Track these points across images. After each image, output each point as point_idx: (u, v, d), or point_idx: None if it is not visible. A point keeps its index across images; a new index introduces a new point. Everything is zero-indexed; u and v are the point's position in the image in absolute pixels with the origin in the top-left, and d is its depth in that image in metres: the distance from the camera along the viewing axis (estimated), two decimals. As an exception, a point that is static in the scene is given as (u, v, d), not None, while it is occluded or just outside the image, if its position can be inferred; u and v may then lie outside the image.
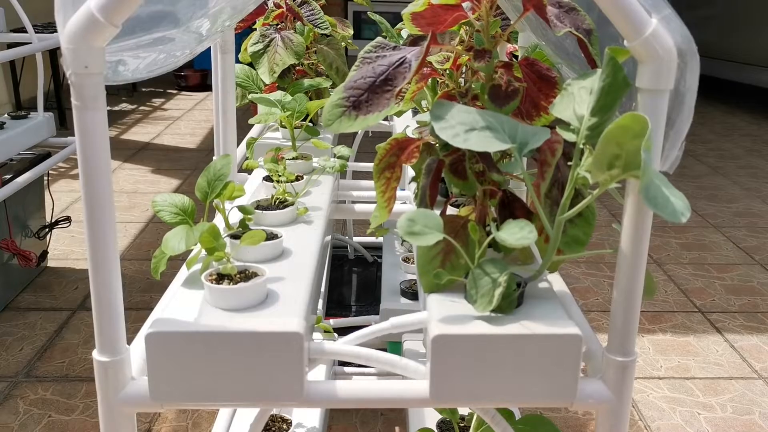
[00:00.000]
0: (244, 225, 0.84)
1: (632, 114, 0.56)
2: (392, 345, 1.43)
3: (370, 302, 1.73)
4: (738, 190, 3.39)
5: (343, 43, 1.55)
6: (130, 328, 2.07)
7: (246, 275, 0.73)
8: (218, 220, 0.94)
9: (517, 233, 0.62)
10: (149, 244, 2.62)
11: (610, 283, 2.35)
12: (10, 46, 3.43)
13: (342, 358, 0.73)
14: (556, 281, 0.88)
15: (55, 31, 4.07)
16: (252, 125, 1.45)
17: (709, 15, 5.27)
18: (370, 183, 1.32)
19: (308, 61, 1.45)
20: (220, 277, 0.72)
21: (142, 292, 2.25)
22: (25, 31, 2.14)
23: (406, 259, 1.58)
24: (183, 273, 0.84)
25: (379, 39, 0.76)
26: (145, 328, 0.71)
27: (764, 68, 4.74)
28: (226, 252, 0.74)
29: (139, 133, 4.25)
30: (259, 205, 0.95)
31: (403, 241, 1.70)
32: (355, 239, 1.99)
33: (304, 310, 0.70)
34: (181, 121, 4.55)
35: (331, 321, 1.52)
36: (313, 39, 1.44)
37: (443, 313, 0.69)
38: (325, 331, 1.36)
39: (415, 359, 1.28)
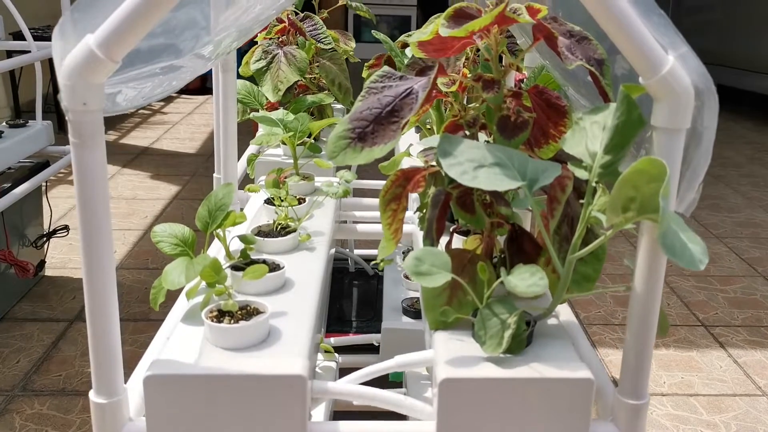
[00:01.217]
0: (245, 254, 0.82)
1: (649, 158, 0.54)
2: (394, 364, 1.41)
3: (370, 317, 1.71)
4: (740, 199, 3.37)
5: (345, 56, 1.53)
6: (127, 340, 2.05)
7: (248, 311, 0.71)
8: (218, 246, 0.92)
9: (527, 279, 0.60)
10: (148, 252, 2.60)
11: (612, 295, 2.33)
12: (9, 52, 3.41)
13: (346, 398, 0.71)
14: (563, 311, 0.86)
15: (54, 34, 4.05)
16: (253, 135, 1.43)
17: (709, 20, 5.26)
18: (373, 201, 1.30)
19: (310, 76, 1.43)
20: (220, 314, 0.70)
21: (140, 303, 2.23)
22: (23, 37, 2.12)
23: (407, 276, 1.56)
24: (182, 302, 0.82)
25: (386, 68, 0.74)
26: (143, 367, 0.69)
27: (765, 75, 4.73)
28: (227, 286, 0.72)
29: (138, 138, 4.23)
30: (261, 231, 0.93)
31: (405, 256, 1.68)
32: (356, 251, 1.97)
33: (307, 350, 0.68)
34: (181, 125, 4.53)
35: (332, 339, 1.50)
36: (315, 53, 1.42)
37: (450, 354, 0.67)
38: (326, 351, 1.34)
39: (417, 382, 1.26)
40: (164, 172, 3.53)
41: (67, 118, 0.58)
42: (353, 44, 1.51)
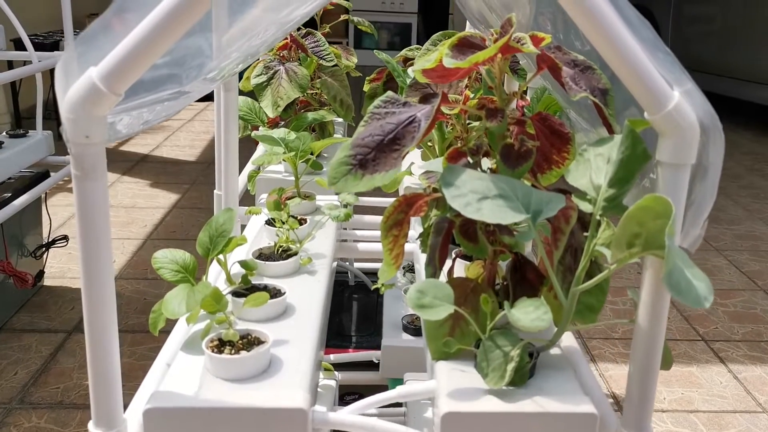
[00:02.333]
0: (246, 280, 0.82)
1: (654, 195, 0.54)
2: (393, 382, 1.40)
3: (370, 332, 1.70)
4: (740, 211, 3.37)
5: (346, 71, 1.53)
6: (125, 352, 2.04)
7: (249, 341, 0.70)
8: (218, 268, 0.91)
9: (531, 313, 0.60)
10: (146, 262, 2.59)
11: (612, 308, 2.33)
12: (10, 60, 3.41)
13: (347, 428, 0.70)
14: (565, 335, 0.85)
15: (56, 41, 4.05)
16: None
17: (709, 31, 5.27)
18: (374, 219, 1.30)
19: (312, 91, 1.43)
20: (221, 343, 0.70)
21: (139, 314, 2.22)
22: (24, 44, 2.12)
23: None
24: (182, 325, 0.82)
25: (389, 93, 0.74)
26: (142, 397, 0.68)
27: (765, 85, 4.73)
28: (227, 314, 0.72)
29: (138, 144, 4.23)
30: (262, 254, 0.92)
31: (406, 271, 1.68)
32: (356, 265, 1.96)
33: (308, 381, 0.68)
34: (181, 132, 4.53)
35: (332, 356, 1.50)
36: (317, 68, 1.42)
37: (453, 386, 0.67)
38: (325, 369, 1.34)
39: (417, 401, 1.25)
40: (164, 180, 3.52)
41: (69, 150, 0.57)
42: (355, 59, 1.51)
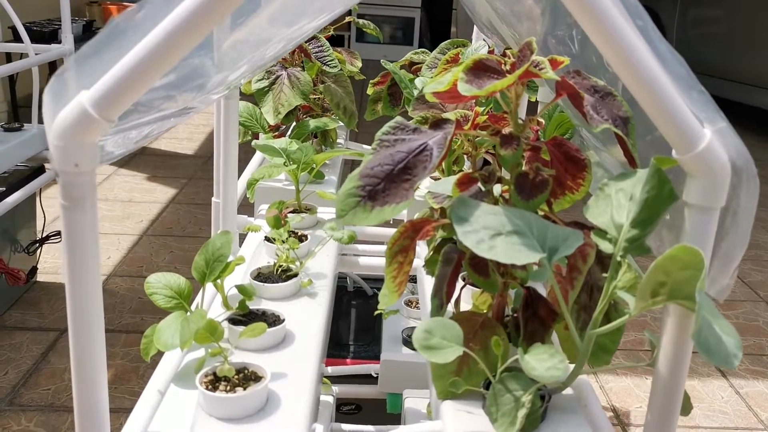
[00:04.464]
0: (243, 306, 0.78)
1: (683, 246, 0.51)
2: (392, 397, 1.37)
3: (369, 342, 1.67)
4: (743, 218, 3.34)
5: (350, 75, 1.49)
6: (119, 353, 2.01)
7: (245, 375, 0.67)
8: (214, 290, 0.88)
9: (546, 361, 0.57)
10: (143, 259, 2.55)
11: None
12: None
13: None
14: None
15: (55, 29, 3.99)
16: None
17: (714, 34, 5.22)
18: (376, 231, 1.26)
19: (314, 96, 1.39)
20: (216, 379, 0.66)
21: (133, 313, 2.18)
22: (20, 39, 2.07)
23: (409, 303, 1.52)
24: (173, 355, 0.78)
25: (398, 119, 0.70)
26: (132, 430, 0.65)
27: None
28: (222, 347, 0.68)
29: (136, 136, 4.18)
30: (260, 274, 0.89)
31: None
32: (355, 270, 1.93)
33: (307, 419, 0.64)
34: (179, 125, 4.48)
35: (329, 369, 1.46)
36: (320, 72, 1.38)
37: (459, 429, 0.63)
38: (322, 383, 1.31)
39: (416, 419, 1.22)
40: (161, 174, 3.48)
41: (57, 179, 0.53)
42: (359, 63, 1.47)
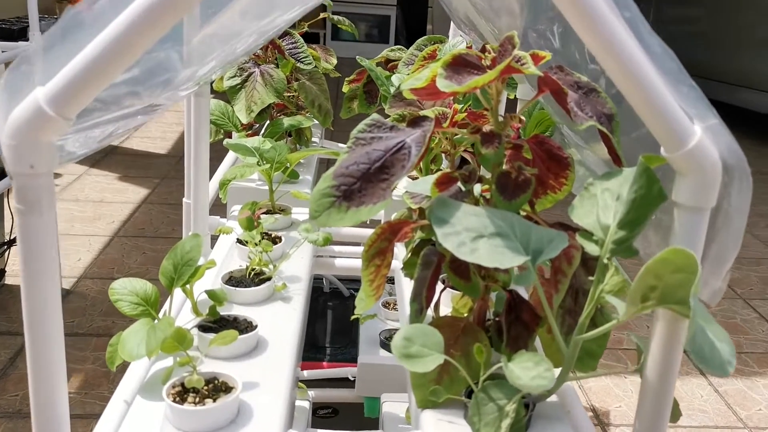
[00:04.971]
0: (214, 312, 0.75)
1: (675, 248, 0.48)
2: (369, 401, 1.34)
3: (345, 344, 1.64)
4: (718, 215, 3.35)
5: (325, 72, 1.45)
6: (89, 357, 1.96)
7: (215, 386, 0.64)
8: (183, 296, 0.84)
9: (531, 370, 0.54)
10: (114, 260, 2.50)
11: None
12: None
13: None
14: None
15: (24, 26, 3.89)
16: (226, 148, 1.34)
17: (689, 32, 5.26)
18: (352, 231, 1.23)
19: (288, 94, 1.36)
20: (184, 390, 0.63)
21: (104, 316, 2.13)
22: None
23: (386, 304, 1.49)
24: (140, 363, 0.74)
25: (374, 116, 0.67)
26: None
27: (743, 88, 4.72)
28: (191, 357, 0.65)
29: (108, 135, 4.10)
30: (232, 278, 0.85)
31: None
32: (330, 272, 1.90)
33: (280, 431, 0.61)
34: (152, 123, 4.41)
35: (305, 373, 1.43)
36: (294, 69, 1.35)
37: (441, 440, 0.60)
38: (298, 388, 1.27)
39: (394, 424, 1.19)
40: (133, 174, 3.42)
41: (11, 181, 0.50)
42: (334, 60, 1.44)
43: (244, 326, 0.74)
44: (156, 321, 0.68)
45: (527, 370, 0.54)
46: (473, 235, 0.58)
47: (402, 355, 0.58)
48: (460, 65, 0.64)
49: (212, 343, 0.66)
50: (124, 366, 0.75)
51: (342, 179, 0.63)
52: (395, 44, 1.73)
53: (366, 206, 0.62)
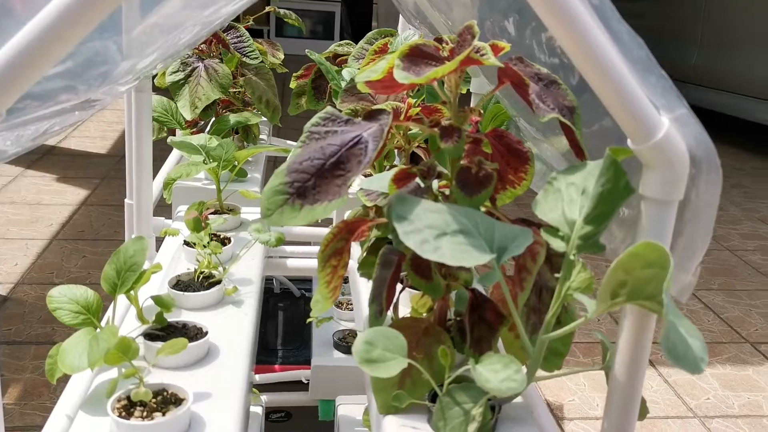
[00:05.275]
0: (161, 319, 0.71)
1: (647, 242, 0.47)
2: (324, 404, 1.31)
3: (297, 345, 1.60)
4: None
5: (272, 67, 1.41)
6: (28, 366, 1.87)
7: (164, 399, 0.60)
8: (125, 302, 0.79)
9: (500, 372, 0.52)
10: (53, 265, 2.40)
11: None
12: None
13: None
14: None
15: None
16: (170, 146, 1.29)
17: (636, 28, 5.33)
18: (304, 231, 1.20)
19: (234, 90, 1.31)
20: (130, 404, 0.59)
21: (43, 323, 2.04)
22: None
23: (340, 304, 1.46)
24: (82, 375, 0.70)
25: (329, 109, 0.64)
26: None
27: (693, 86, 4.76)
28: (137, 367, 0.61)
29: (44, 134, 3.96)
30: (180, 282, 0.81)
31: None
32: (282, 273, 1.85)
33: (236, 446, 0.58)
34: (91, 123, 4.27)
35: (257, 377, 1.39)
36: (240, 64, 1.30)
37: (404, 447, 0.58)
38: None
39: (350, 427, 1.16)
40: (72, 175, 3.30)
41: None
42: (281, 55, 1.40)
43: (194, 333, 0.70)
44: (98, 330, 0.64)
45: (496, 372, 0.52)
46: (436, 232, 0.55)
47: (363, 360, 0.55)
48: (417, 56, 0.61)
49: (160, 353, 0.62)
50: (66, 376, 0.70)
51: (295, 175, 0.59)
52: (340, 40, 1.71)
53: (321, 204, 0.59)
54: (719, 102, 4.49)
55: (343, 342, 1.33)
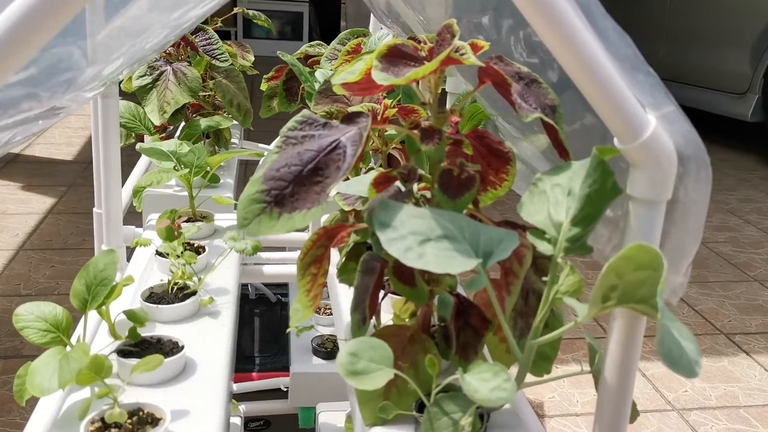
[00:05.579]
0: (134, 334, 0.68)
1: (639, 245, 0.45)
2: (304, 411, 1.29)
3: (275, 352, 1.57)
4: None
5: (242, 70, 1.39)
6: (-5, 386, 1.82)
7: (140, 419, 0.57)
8: (97, 317, 0.77)
9: (490, 381, 0.50)
10: (20, 276, 2.34)
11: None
12: None
13: None
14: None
15: None
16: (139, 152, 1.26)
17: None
18: (279, 237, 1.17)
19: (204, 93, 1.28)
20: (105, 425, 0.56)
21: (11, 337, 1.99)
22: None
23: (318, 309, 1.44)
24: (53, 396, 0.67)
25: (305, 113, 0.62)
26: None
27: (708, 90, 4.66)
28: (111, 387, 0.58)
29: (8, 142, 3.87)
30: (153, 294, 0.78)
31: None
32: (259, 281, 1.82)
33: (217, 466, 0.55)
34: (55, 129, 4.19)
35: (235, 386, 1.36)
36: (209, 67, 1.27)
37: (392, 460, 0.56)
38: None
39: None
40: (37, 183, 3.23)
41: None
42: (252, 57, 1.37)
43: (170, 348, 0.68)
44: (69, 348, 0.61)
45: (485, 381, 0.51)
46: (420, 238, 0.54)
47: (348, 373, 0.53)
48: (395, 56, 0.59)
49: (135, 370, 0.59)
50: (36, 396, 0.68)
51: (272, 183, 0.57)
52: (309, 41, 1.68)
53: (300, 212, 0.57)
54: (686, 96, 4.54)
55: (322, 348, 1.30)
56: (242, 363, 1.51)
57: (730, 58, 4.22)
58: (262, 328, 1.68)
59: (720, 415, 1.80)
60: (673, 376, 1.95)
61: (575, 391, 1.86)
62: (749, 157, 4.43)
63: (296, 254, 1.17)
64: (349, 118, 0.61)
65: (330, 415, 1.18)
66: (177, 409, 0.61)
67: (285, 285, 1.83)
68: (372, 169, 0.98)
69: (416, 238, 0.54)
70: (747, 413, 1.82)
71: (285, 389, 1.34)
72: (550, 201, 0.56)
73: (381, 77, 0.56)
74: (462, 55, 0.58)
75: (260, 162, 1.43)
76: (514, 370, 0.59)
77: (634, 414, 0.60)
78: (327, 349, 1.30)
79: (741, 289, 2.55)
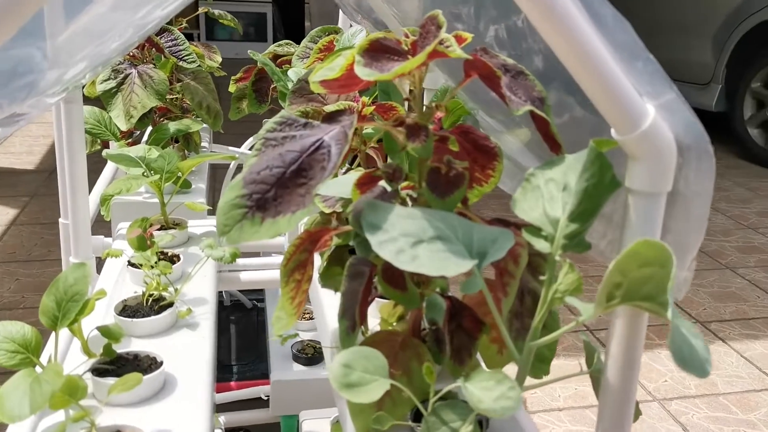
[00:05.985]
0: (109, 351, 0.64)
1: (645, 240, 0.43)
2: (286, 420, 1.25)
3: (253, 359, 1.54)
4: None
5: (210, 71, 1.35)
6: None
7: (120, 443, 0.54)
8: (68, 334, 0.73)
9: (493, 390, 0.48)
10: (-17, 290, 2.27)
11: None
12: None
13: None
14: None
15: None
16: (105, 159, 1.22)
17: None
18: (257, 243, 1.14)
19: (171, 96, 1.24)
20: (83, 452, 0.53)
21: (-22, 354, 1.92)
22: None
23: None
24: (25, 424, 0.63)
25: (284, 113, 0.59)
26: None
27: (676, 81, 4.80)
28: (88, 409, 0.55)
29: (-34, 153, 3.77)
30: (127, 307, 0.75)
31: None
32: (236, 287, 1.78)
33: (205, 489, 0.52)
34: (15, 138, 4.08)
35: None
36: (176, 69, 1.23)
37: (390, 475, 0.53)
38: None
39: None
40: (-1, 193, 3.14)
41: None
42: (219, 57, 1.33)
43: (148, 364, 0.64)
44: (39, 369, 0.57)
45: (488, 390, 0.48)
46: (412, 240, 0.51)
47: (342, 386, 0.50)
48: (378, 51, 0.57)
49: (112, 391, 0.56)
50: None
51: (253, 187, 0.54)
52: (273, 42, 1.64)
53: (284, 216, 0.54)
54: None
55: (303, 354, 1.27)
56: (220, 372, 1.48)
57: (693, 49, 4.28)
58: (239, 335, 1.65)
59: (700, 404, 1.81)
60: (652, 366, 1.96)
61: (557, 385, 1.85)
62: (714, 146, 4.47)
63: (273, 259, 1.14)
64: (331, 117, 0.59)
65: (314, 423, 1.15)
66: (158, 429, 0.58)
67: (261, 290, 1.79)
68: (351, 169, 0.95)
69: (408, 239, 0.51)
70: (726, 400, 1.83)
71: (266, 398, 1.31)
72: (545, 197, 0.54)
73: (365, 73, 0.54)
74: (448, 47, 0.55)
75: (230, 167, 1.38)
76: (508, 370, 0.57)
77: (637, 414, 0.59)
78: (308, 354, 1.27)
79: (714, 277, 2.57)
